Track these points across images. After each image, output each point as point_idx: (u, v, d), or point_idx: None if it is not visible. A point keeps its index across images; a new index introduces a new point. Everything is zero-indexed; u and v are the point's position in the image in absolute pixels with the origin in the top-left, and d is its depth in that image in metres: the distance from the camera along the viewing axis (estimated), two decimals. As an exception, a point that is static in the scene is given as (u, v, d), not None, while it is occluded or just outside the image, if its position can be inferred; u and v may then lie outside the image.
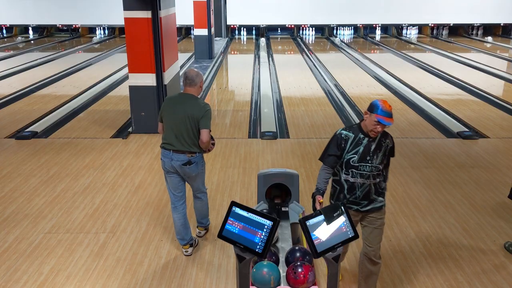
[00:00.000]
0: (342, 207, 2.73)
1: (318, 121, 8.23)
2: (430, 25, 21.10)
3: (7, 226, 4.72)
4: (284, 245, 3.82)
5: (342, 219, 2.70)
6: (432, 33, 21.46)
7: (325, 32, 21.36)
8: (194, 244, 4.34)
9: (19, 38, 20.40)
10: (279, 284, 3.25)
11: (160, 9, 7.04)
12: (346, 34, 21.55)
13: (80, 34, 21.31)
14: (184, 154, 4.00)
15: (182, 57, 13.81)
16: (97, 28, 21.29)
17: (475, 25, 20.89)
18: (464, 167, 6.20)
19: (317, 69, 13.26)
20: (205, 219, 4.55)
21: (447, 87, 10.98)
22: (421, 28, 21.76)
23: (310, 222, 2.61)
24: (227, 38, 20.10)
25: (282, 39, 20.75)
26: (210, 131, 4.00)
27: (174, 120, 3.99)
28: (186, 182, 4.24)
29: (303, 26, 21.13)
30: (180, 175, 4.12)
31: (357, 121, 8.52)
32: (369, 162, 3.25)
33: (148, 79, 7.25)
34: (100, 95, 10.12)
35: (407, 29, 21.62)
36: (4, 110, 9.00)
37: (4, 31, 21.52)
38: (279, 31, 21.76)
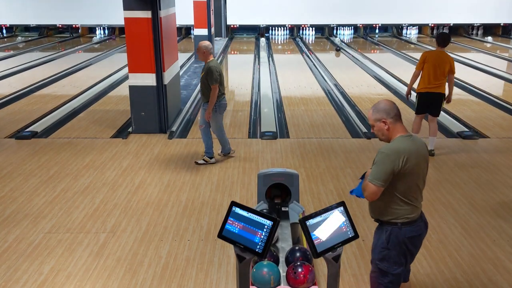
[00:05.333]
0: (343, 207, 2.72)
1: (318, 121, 8.23)
2: (430, 25, 21.09)
3: (7, 226, 4.72)
4: (284, 245, 3.82)
5: (342, 219, 2.70)
6: (432, 33, 21.43)
7: (325, 32, 21.35)
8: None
9: (19, 38, 20.39)
10: (279, 284, 3.25)
11: (160, 9, 7.05)
12: (346, 34, 21.54)
13: (80, 34, 21.31)
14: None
15: (182, 57, 13.80)
16: (97, 28, 21.29)
17: (475, 25, 20.89)
18: (464, 167, 6.20)
19: (317, 69, 13.25)
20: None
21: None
22: (421, 28, 21.74)
23: (310, 222, 2.61)
24: (227, 38, 20.10)
25: (282, 39, 20.75)
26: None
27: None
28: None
29: (303, 26, 21.13)
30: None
31: (357, 121, 8.58)
32: None
33: (148, 79, 7.25)
34: (100, 95, 10.12)
35: (407, 29, 21.62)
36: (4, 110, 9.00)
37: (4, 31, 21.52)
38: (279, 31, 21.74)
